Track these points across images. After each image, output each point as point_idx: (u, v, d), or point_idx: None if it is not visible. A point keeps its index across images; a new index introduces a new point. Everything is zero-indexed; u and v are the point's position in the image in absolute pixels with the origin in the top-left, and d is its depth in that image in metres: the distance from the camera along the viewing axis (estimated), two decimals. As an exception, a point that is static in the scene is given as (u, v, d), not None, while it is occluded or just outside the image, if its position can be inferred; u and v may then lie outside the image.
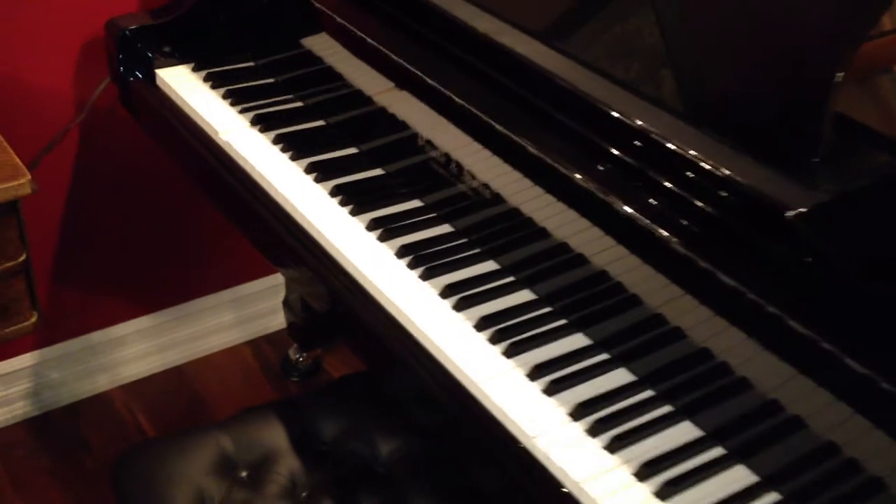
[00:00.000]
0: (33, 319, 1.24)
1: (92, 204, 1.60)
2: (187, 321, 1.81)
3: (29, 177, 1.13)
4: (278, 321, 1.88)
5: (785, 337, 0.78)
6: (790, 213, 0.76)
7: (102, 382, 1.75)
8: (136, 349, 1.76)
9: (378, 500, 1.08)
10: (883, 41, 1.20)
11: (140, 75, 1.39)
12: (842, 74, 0.80)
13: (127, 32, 1.38)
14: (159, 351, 1.80)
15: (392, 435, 1.13)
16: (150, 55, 1.38)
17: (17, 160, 1.17)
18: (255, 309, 1.88)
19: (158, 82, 1.36)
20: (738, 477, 0.84)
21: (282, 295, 1.82)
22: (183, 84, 1.33)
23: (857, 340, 0.74)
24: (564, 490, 0.82)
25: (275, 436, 1.13)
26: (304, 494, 1.09)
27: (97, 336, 1.72)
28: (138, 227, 1.68)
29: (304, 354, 1.84)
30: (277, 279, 1.87)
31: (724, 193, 0.82)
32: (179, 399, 1.79)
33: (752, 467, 0.84)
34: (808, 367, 0.80)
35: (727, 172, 0.81)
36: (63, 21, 1.46)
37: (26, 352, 1.66)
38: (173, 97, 1.33)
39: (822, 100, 0.80)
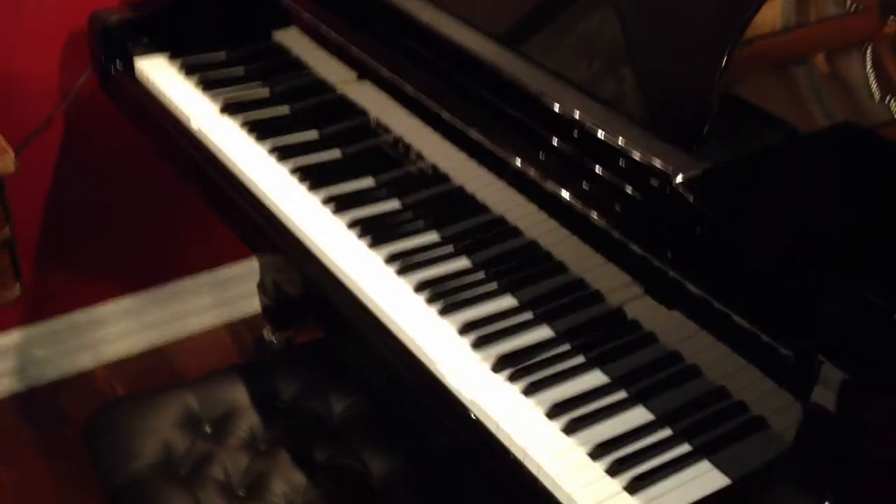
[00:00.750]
0: (17, 291, 1.34)
1: (76, 187, 1.70)
2: (167, 302, 1.91)
3: (13, 155, 1.23)
4: (255, 305, 1.97)
5: (686, 298, 0.87)
6: (679, 179, 0.85)
7: (86, 361, 1.85)
8: (118, 328, 1.86)
9: (330, 451, 1.17)
10: (796, 35, 1.31)
11: (120, 65, 1.48)
12: (727, 56, 0.90)
13: (109, 25, 1.47)
14: (141, 331, 1.90)
15: (345, 395, 1.23)
16: (129, 46, 1.47)
17: (2, 140, 1.26)
18: (232, 292, 1.97)
19: (137, 72, 1.45)
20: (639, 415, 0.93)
21: (258, 279, 1.91)
22: (160, 73, 1.43)
23: (744, 296, 0.84)
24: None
25: (237, 395, 1.22)
26: (262, 447, 1.18)
27: (81, 315, 1.81)
28: (120, 209, 1.77)
29: (277, 335, 1.94)
30: (254, 264, 1.96)
31: (630, 166, 0.91)
32: (159, 378, 1.88)
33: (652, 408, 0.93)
34: (706, 323, 0.90)
35: (636, 150, 0.91)
36: (49, 15, 1.56)
37: (12, 329, 1.76)
38: (150, 85, 1.43)
39: (711, 82, 0.89)
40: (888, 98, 1.22)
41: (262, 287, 1.87)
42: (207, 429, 1.19)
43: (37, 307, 1.76)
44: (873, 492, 0.77)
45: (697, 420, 0.92)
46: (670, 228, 0.86)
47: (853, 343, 0.73)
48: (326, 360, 1.28)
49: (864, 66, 1.29)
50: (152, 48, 1.48)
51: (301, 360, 1.29)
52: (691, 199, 0.85)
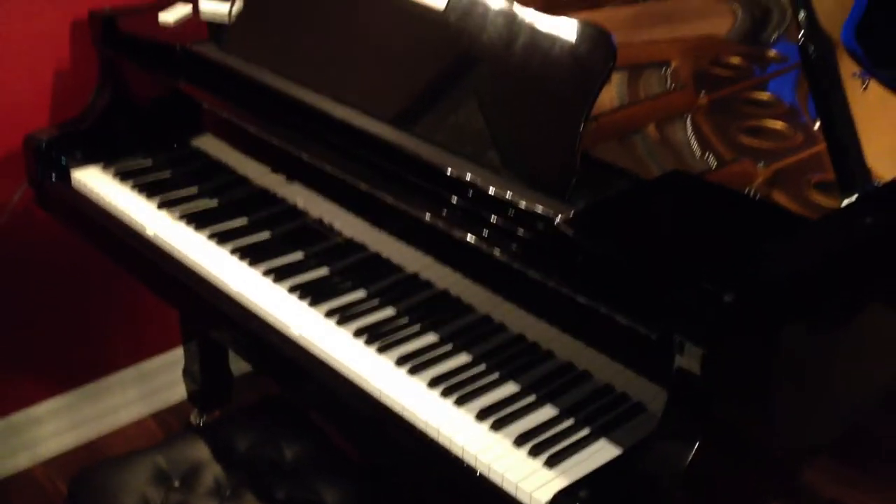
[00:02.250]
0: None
1: (6, 294, 1.84)
2: (97, 398, 2.04)
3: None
4: (180, 392, 2.12)
5: (566, 309, 1.12)
6: (558, 219, 1.11)
7: (24, 460, 1.95)
8: (52, 427, 1.97)
9: (288, 489, 1.35)
10: (631, 111, 1.63)
11: (55, 177, 1.66)
12: (581, 129, 1.18)
13: (44, 144, 1.66)
14: (74, 427, 2.01)
15: (295, 438, 1.41)
16: (63, 160, 1.66)
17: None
18: (157, 383, 2.12)
19: (74, 181, 1.64)
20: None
21: (181, 367, 2.06)
22: (96, 181, 1.62)
23: (619, 300, 1.09)
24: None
25: (199, 452, 1.39)
26: (227, 493, 1.35)
27: (17, 417, 1.92)
28: (49, 312, 1.91)
29: (205, 417, 2.09)
30: (176, 353, 2.12)
31: (518, 214, 1.17)
32: (93, 471, 2.00)
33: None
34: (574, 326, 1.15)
35: (522, 202, 1.16)
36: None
37: (-48, 435, 1.86)
38: (88, 192, 1.61)
39: (573, 147, 1.17)
40: (706, 154, 1.55)
41: (187, 373, 2.03)
42: (176, 483, 1.36)
43: (-25, 411, 1.87)
44: (727, 432, 1.03)
45: (592, 410, 1.16)
46: (556, 257, 1.12)
47: (697, 321, 0.99)
48: (274, 410, 1.47)
49: (686, 131, 1.62)
50: (86, 160, 1.67)
51: (251, 414, 1.47)
52: (570, 233, 1.11)
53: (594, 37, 1.22)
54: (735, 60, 1.91)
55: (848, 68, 1.69)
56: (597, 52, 1.21)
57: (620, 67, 1.82)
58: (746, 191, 1.43)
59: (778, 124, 1.66)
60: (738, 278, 1.01)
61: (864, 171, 1.23)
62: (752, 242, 1.11)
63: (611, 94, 1.74)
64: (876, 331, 1.26)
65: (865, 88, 1.62)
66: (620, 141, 1.57)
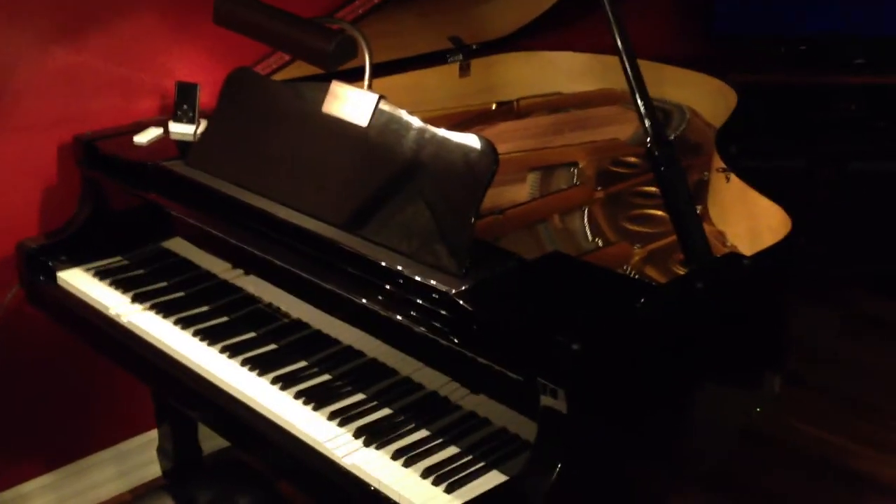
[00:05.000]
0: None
1: (2, 374, 2.08)
2: (79, 477, 2.26)
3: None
4: (154, 470, 2.34)
5: (463, 365, 1.39)
6: (452, 292, 1.39)
7: (14, 533, 2.17)
8: (39, 503, 2.19)
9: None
10: (538, 204, 1.93)
11: (43, 278, 1.93)
12: (473, 221, 1.46)
13: (33, 250, 1.94)
14: (59, 503, 2.23)
15: (247, 492, 1.66)
16: (50, 263, 1.93)
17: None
18: (134, 461, 2.35)
19: (59, 281, 1.90)
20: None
21: (155, 446, 2.29)
22: (78, 280, 1.89)
23: (499, 353, 1.35)
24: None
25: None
26: (191, 538, 1.59)
27: (8, 494, 2.15)
28: (36, 399, 2.16)
29: (177, 489, 2.31)
30: (150, 435, 2.35)
31: (424, 290, 1.44)
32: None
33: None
34: (472, 380, 1.42)
35: (426, 279, 1.44)
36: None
37: (-52, 513, 2.08)
38: (72, 289, 1.88)
39: (467, 236, 1.45)
40: (595, 238, 1.84)
41: (161, 451, 2.26)
42: (148, 531, 1.60)
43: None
44: (582, 459, 1.28)
45: (490, 448, 1.42)
46: (453, 322, 1.39)
47: (554, 366, 1.26)
48: (231, 468, 1.72)
49: (584, 220, 1.92)
50: (70, 263, 1.94)
51: (211, 471, 1.72)
52: (461, 302, 1.38)
53: (484, 148, 1.52)
54: (632, 159, 2.22)
55: (717, 164, 2.02)
56: (484, 160, 1.51)
57: (536, 168, 2.14)
58: (623, 267, 1.73)
59: (658, 212, 1.96)
60: (584, 331, 1.28)
61: (704, 247, 1.51)
62: (606, 305, 1.39)
63: (525, 191, 2.05)
64: (717, 375, 1.52)
65: (728, 181, 1.93)
66: (528, 229, 1.86)
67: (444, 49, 2.55)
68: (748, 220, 1.84)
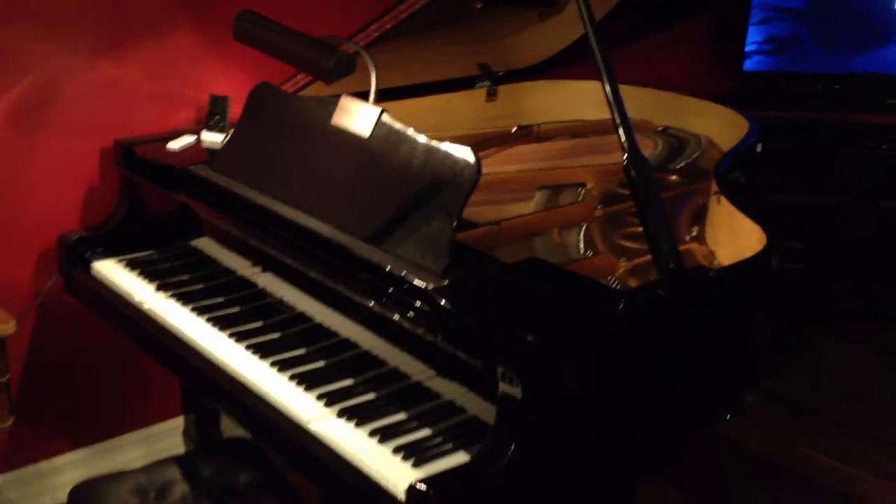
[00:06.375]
0: (10, 422, 1.89)
1: (39, 363, 2.27)
2: (109, 455, 2.44)
3: (14, 321, 1.83)
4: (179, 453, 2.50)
5: (437, 353, 1.52)
6: (430, 288, 1.52)
7: (46, 502, 2.34)
8: (71, 476, 2.37)
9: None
10: (537, 217, 2.04)
11: (80, 269, 2.12)
12: (455, 224, 1.60)
13: (72, 242, 2.13)
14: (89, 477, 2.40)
15: (249, 469, 1.80)
16: (87, 255, 2.11)
17: (5, 313, 1.87)
18: (161, 445, 2.52)
19: (93, 271, 2.09)
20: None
21: (181, 432, 2.46)
22: (111, 270, 2.07)
23: (467, 342, 1.48)
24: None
25: (173, 474, 1.79)
26: (190, 499, 1.74)
27: (43, 465, 2.34)
28: (72, 381, 2.34)
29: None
30: (178, 421, 2.52)
31: (405, 285, 1.58)
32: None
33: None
34: (443, 367, 1.54)
35: (408, 276, 1.58)
36: (28, 235, 2.20)
37: (-11, 478, 2.27)
38: (104, 279, 2.06)
39: (448, 240, 1.59)
40: (587, 251, 1.95)
41: (186, 434, 2.43)
42: (152, 495, 1.75)
43: (10, 459, 2.27)
44: (536, 442, 1.40)
45: (462, 432, 1.53)
46: (429, 315, 1.52)
47: (510, 356, 1.38)
48: (236, 447, 1.87)
49: (579, 235, 2.03)
50: (104, 255, 2.12)
51: (216, 449, 1.87)
52: (435, 297, 1.51)
53: (468, 159, 1.65)
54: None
55: (712, 189, 2.12)
56: (468, 170, 1.64)
57: (545, 187, 2.26)
58: (606, 278, 1.84)
59: (650, 230, 2.06)
60: (540, 326, 1.40)
61: (673, 258, 1.62)
62: (567, 305, 1.51)
63: (530, 208, 2.17)
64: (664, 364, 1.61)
65: (719, 203, 2.03)
66: (525, 240, 1.99)
67: (473, 75, 2.70)
68: (734, 240, 1.94)
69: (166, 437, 2.52)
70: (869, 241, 3.61)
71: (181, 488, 1.76)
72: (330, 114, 1.86)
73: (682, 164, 2.49)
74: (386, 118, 1.78)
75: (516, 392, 1.39)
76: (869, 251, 3.63)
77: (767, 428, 2.95)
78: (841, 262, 3.65)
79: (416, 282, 1.56)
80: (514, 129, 2.66)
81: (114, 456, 2.44)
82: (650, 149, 2.57)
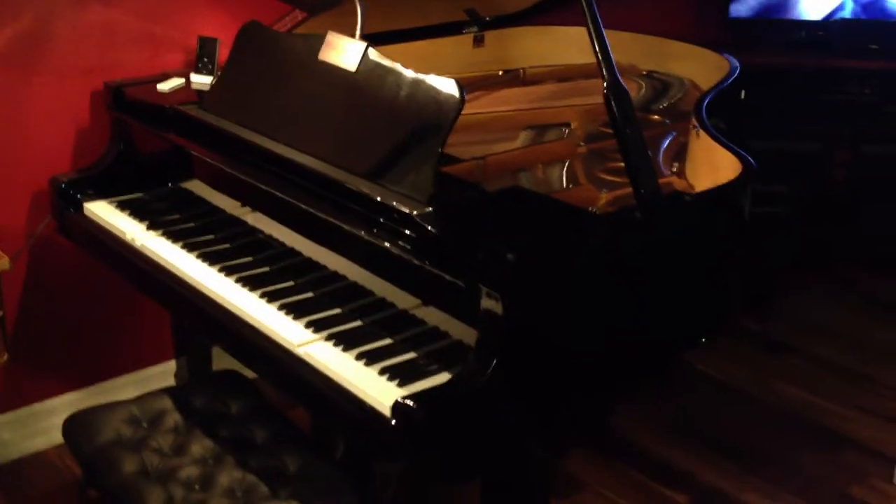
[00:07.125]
0: (4, 358, 1.93)
1: (33, 305, 2.31)
2: (102, 396, 2.47)
3: (7, 258, 1.86)
4: (172, 397, 2.55)
5: (424, 277, 1.56)
6: (415, 213, 1.56)
7: (40, 443, 2.39)
8: (64, 417, 2.40)
9: (229, 430, 1.78)
10: (522, 153, 2.08)
11: (73, 210, 2.15)
12: (440, 151, 1.63)
13: (64, 184, 2.15)
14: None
15: (238, 398, 1.85)
16: (79, 196, 2.14)
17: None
18: (152, 387, 2.54)
19: (85, 211, 2.12)
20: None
21: (173, 377, 2.50)
22: (103, 210, 2.10)
23: (450, 264, 1.51)
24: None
25: (164, 404, 1.83)
26: (183, 431, 1.78)
27: (37, 406, 2.38)
28: (66, 323, 2.38)
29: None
30: (170, 365, 2.56)
31: (393, 213, 1.61)
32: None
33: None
34: (428, 295, 1.59)
35: (395, 203, 1.61)
36: (20, 178, 2.23)
37: (-17, 418, 2.31)
38: (97, 218, 2.09)
39: (431, 165, 1.62)
40: (569, 184, 1.99)
41: (177, 376, 2.47)
42: (145, 424, 1.80)
43: (4, 401, 2.32)
44: (516, 358, 1.44)
45: (446, 355, 1.58)
46: (415, 240, 1.56)
47: (492, 274, 1.42)
48: (227, 378, 1.91)
49: (563, 170, 2.07)
50: (96, 196, 2.15)
51: (208, 380, 1.91)
52: (420, 221, 1.55)
53: (452, 90, 1.68)
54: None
55: (690, 122, 2.15)
56: (451, 100, 1.67)
57: (530, 126, 2.29)
58: (588, 208, 1.87)
59: (632, 165, 2.09)
60: (520, 245, 1.44)
61: (649, 184, 1.65)
62: (547, 227, 1.55)
63: (515, 146, 2.20)
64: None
65: (698, 136, 2.07)
66: (510, 175, 2.02)
67: (460, 20, 2.71)
68: (713, 172, 1.98)
69: (159, 380, 2.56)
70: (850, 186, 3.66)
71: (173, 417, 1.80)
72: (317, 50, 1.88)
73: (665, 105, 2.52)
74: (372, 52, 1.80)
75: (497, 308, 1.43)
76: (850, 195, 3.68)
77: (744, 364, 3.03)
78: (823, 207, 3.71)
79: (403, 209, 1.59)
80: (500, 73, 2.69)
81: (107, 398, 2.47)
82: (635, 91, 2.60)
